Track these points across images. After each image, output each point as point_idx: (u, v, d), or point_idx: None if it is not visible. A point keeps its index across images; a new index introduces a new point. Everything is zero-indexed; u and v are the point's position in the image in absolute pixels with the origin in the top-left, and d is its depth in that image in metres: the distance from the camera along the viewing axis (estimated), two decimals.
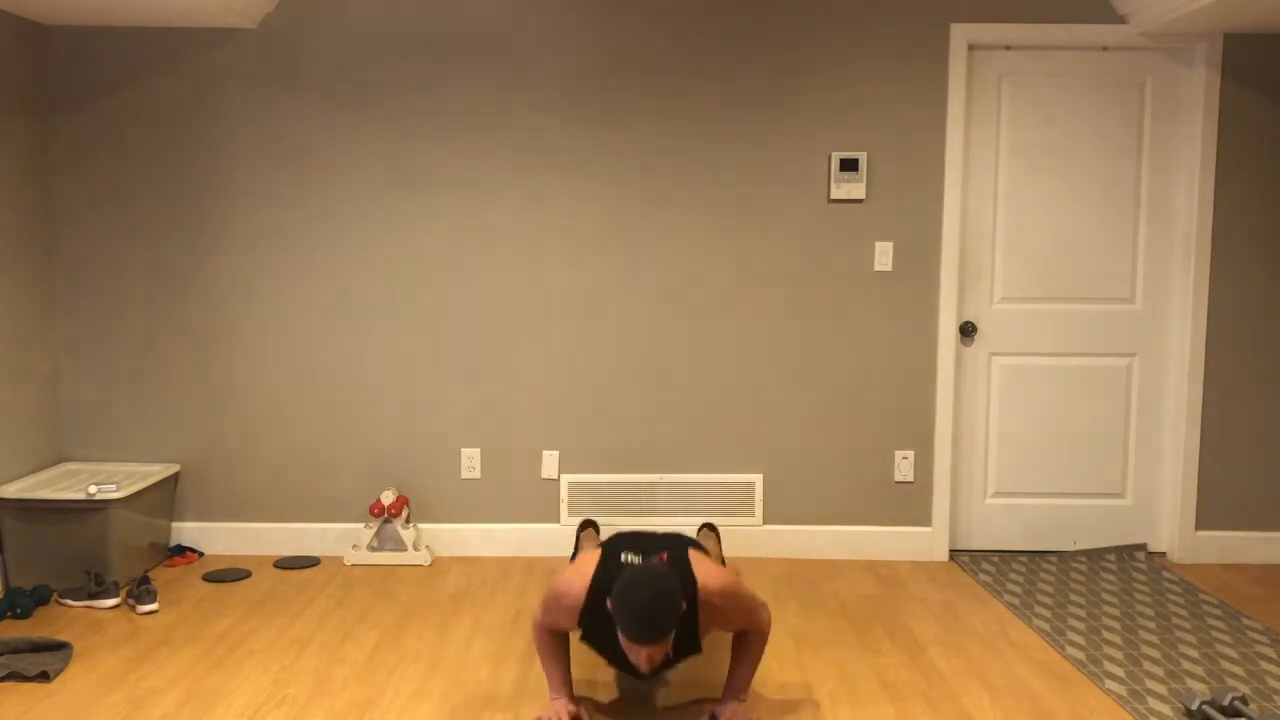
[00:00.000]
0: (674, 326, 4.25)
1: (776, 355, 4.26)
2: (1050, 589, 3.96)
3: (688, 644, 2.72)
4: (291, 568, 4.16)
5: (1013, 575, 4.11)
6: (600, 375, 4.27)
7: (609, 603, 2.57)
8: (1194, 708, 2.86)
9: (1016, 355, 4.32)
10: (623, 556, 2.73)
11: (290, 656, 3.29)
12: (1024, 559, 4.32)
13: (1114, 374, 4.32)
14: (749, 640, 2.81)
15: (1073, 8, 4.11)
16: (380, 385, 4.28)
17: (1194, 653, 3.35)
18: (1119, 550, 4.36)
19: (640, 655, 2.53)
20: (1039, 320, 4.30)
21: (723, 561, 3.68)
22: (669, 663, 2.77)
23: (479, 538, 4.33)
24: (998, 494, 4.37)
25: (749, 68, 4.15)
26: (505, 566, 4.20)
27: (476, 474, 4.31)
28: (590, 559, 2.76)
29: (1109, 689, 3.07)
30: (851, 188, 4.17)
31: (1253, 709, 2.90)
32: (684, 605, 2.55)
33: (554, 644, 2.81)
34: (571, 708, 2.78)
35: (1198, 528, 4.29)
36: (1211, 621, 3.63)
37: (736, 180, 4.19)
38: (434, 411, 4.29)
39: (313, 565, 4.20)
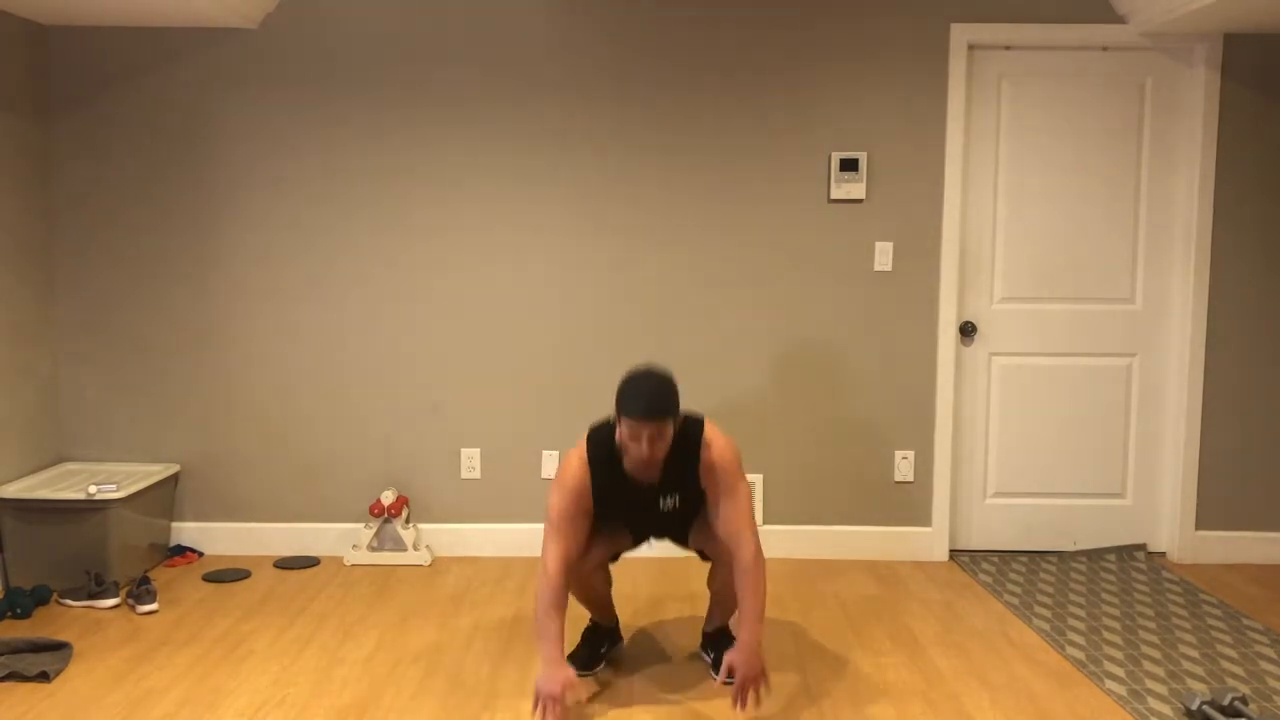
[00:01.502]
0: (673, 326, 4.25)
1: (776, 355, 4.26)
2: (1050, 589, 3.96)
3: (689, 481, 2.87)
4: (291, 568, 4.16)
5: (1013, 575, 4.11)
6: (600, 375, 4.27)
7: (618, 416, 2.76)
8: (1194, 708, 2.86)
9: (1016, 355, 4.32)
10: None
11: (290, 656, 3.29)
12: (1024, 559, 4.32)
13: (1114, 374, 4.32)
14: (745, 568, 2.79)
15: (1073, 8, 4.11)
16: (380, 385, 4.28)
17: (1194, 653, 3.36)
18: (1119, 550, 4.36)
19: (643, 445, 2.71)
20: (1039, 320, 4.30)
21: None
22: (674, 511, 2.89)
23: (479, 538, 4.33)
24: (998, 494, 4.37)
25: (748, 68, 4.15)
26: (505, 566, 4.20)
27: (476, 474, 4.31)
28: (578, 446, 2.93)
29: (1109, 689, 3.07)
30: (851, 188, 4.17)
31: (1253, 709, 2.90)
32: (684, 420, 2.86)
33: (555, 613, 2.75)
34: (570, 673, 2.70)
35: (1198, 528, 4.29)
36: (1211, 621, 3.64)
37: (736, 180, 4.19)
38: (434, 411, 4.29)
39: (313, 565, 4.20)
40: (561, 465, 2.89)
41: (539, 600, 2.77)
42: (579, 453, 2.89)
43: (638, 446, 2.75)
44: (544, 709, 2.67)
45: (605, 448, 2.88)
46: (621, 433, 2.78)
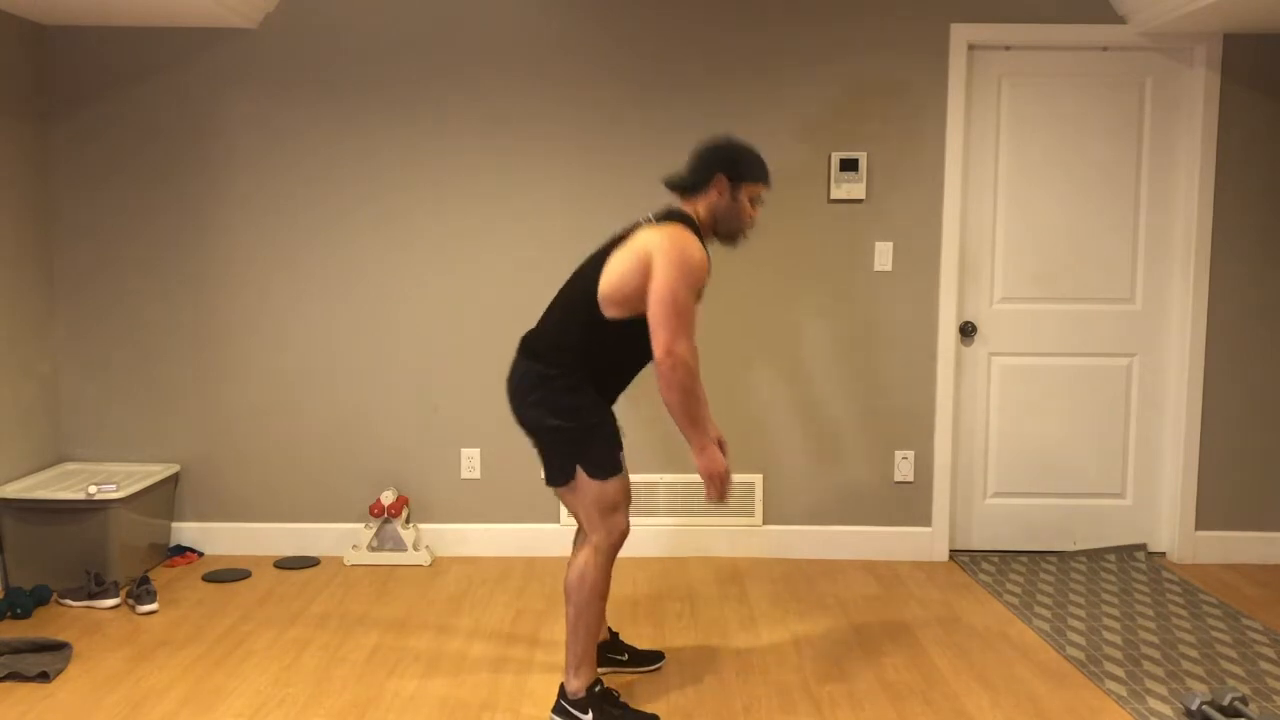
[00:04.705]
0: None
1: (776, 355, 4.26)
2: (1050, 589, 3.96)
3: None
4: (291, 568, 4.16)
5: (1013, 575, 4.11)
6: None
7: (725, 182, 2.79)
8: (1194, 708, 2.86)
9: (1016, 355, 4.31)
10: (644, 219, 2.81)
11: (290, 656, 3.29)
12: (1024, 559, 4.32)
13: (1114, 374, 4.32)
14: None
15: (1073, 8, 4.11)
16: (380, 385, 4.28)
17: (1194, 653, 3.36)
18: (1119, 550, 4.36)
19: (757, 208, 2.86)
20: (1039, 320, 4.30)
21: None
22: None
23: (479, 538, 4.33)
24: (998, 494, 4.37)
25: (747, 67, 4.15)
26: (505, 566, 4.20)
27: (476, 474, 4.31)
28: (670, 231, 2.69)
29: (1109, 689, 3.07)
30: (851, 188, 4.17)
31: (1253, 709, 2.90)
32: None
33: (703, 400, 2.69)
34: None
35: (1198, 528, 4.29)
36: (1211, 621, 3.64)
37: None
38: (434, 411, 4.29)
39: (313, 565, 4.20)
40: (681, 244, 2.65)
41: (689, 393, 2.65)
42: (689, 233, 2.71)
43: (753, 210, 2.84)
44: (721, 486, 2.73)
45: (697, 230, 2.77)
46: (742, 200, 2.81)
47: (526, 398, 2.80)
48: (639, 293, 2.68)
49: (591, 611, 2.79)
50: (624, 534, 2.83)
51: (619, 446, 2.83)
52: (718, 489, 2.74)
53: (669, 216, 2.78)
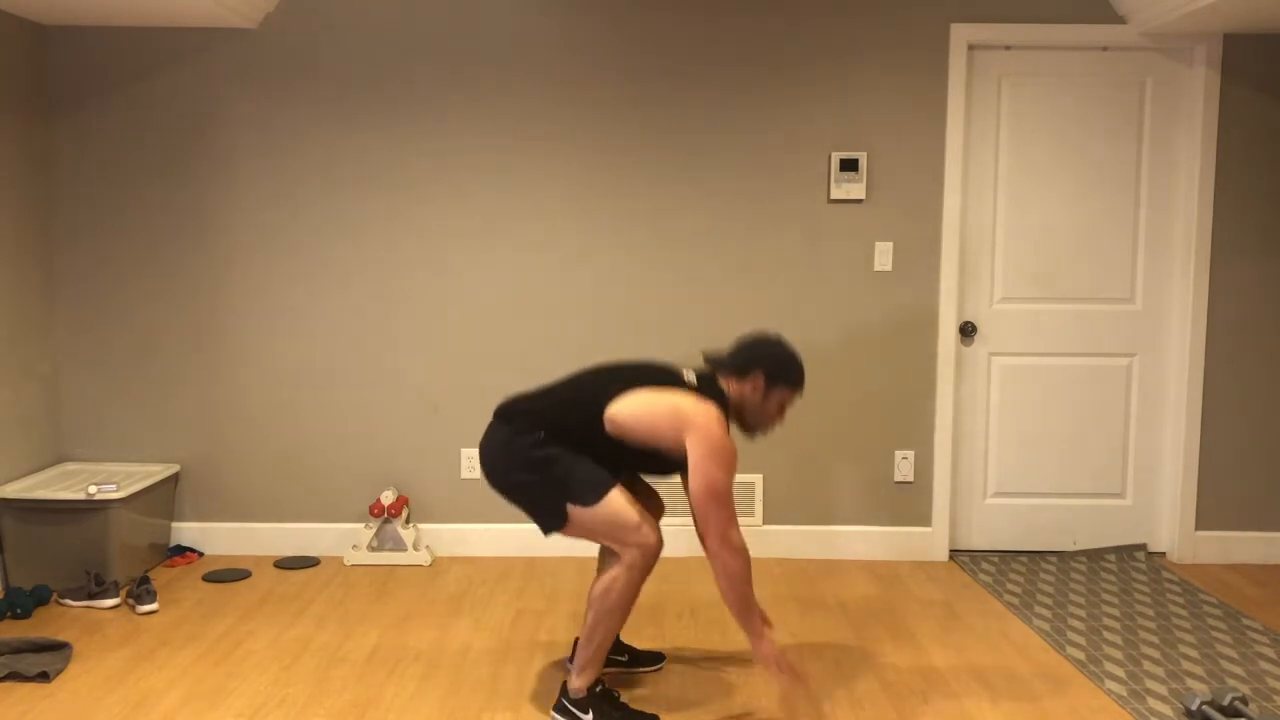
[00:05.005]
0: (673, 327, 4.25)
1: None
2: (1050, 589, 3.96)
3: None
4: (291, 568, 4.16)
5: (1013, 575, 4.11)
6: None
7: (762, 380, 2.83)
8: (1194, 708, 2.86)
9: (1016, 355, 4.32)
10: (685, 376, 2.85)
11: (290, 656, 3.29)
12: (1024, 559, 4.32)
13: (1114, 374, 4.32)
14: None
15: (1073, 8, 4.11)
16: (380, 385, 4.28)
17: (1194, 653, 3.36)
18: (1119, 550, 4.36)
19: (785, 413, 2.99)
20: (1039, 320, 4.30)
21: None
22: None
23: (479, 538, 4.33)
24: (998, 494, 4.37)
25: (748, 68, 4.15)
26: (505, 566, 4.20)
27: (476, 474, 4.31)
28: (708, 414, 2.70)
29: (1109, 689, 3.07)
30: (851, 188, 4.17)
31: (1253, 709, 2.90)
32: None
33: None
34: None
35: (1198, 528, 4.29)
36: (1211, 621, 3.64)
37: (736, 180, 4.19)
38: (434, 411, 4.29)
39: (313, 565, 4.20)
40: (714, 435, 2.68)
41: (744, 579, 2.69)
42: (721, 418, 2.73)
43: (781, 415, 2.89)
44: (791, 669, 2.73)
45: (726, 409, 2.82)
46: (773, 402, 2.86)
47: (498, 460, 2.80)
48: (651, 438, 2.73)
49: (612, 621, 2.77)
50: (656, 547, 2.73)
51: (612, 467, 2.78)
52: (790, 672, 2.72)
53: (708, 389, 2.79)
